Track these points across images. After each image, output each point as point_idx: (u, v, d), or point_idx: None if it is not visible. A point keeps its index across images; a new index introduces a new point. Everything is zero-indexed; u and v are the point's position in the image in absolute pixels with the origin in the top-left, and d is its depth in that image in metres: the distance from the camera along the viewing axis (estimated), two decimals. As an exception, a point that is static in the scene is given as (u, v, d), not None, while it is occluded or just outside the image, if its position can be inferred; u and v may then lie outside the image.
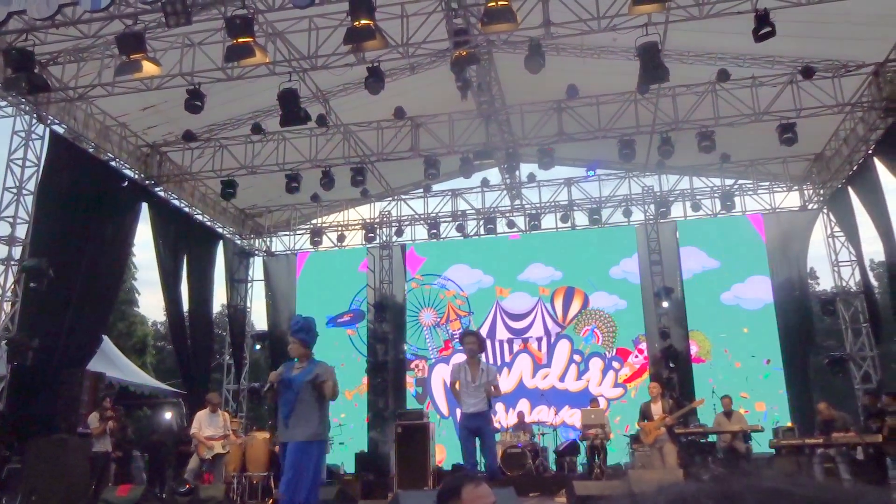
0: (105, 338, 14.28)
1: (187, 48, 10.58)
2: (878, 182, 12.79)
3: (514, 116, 13.41)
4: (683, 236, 15.95)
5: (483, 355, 7.68)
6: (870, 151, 12.80)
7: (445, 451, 14.66)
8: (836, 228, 15.05)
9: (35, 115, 11.33)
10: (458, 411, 7.69)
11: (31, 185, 11.24)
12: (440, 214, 16.94)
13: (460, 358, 7.90)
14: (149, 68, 9.55)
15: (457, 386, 7.53)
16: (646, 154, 13.95)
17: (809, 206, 15.75)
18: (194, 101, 10.67)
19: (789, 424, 12.74)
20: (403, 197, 17.29)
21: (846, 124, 13.29)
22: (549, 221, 16.50)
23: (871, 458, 9.50)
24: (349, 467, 14.65)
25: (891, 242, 12.55)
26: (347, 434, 14.83)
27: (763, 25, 8.99)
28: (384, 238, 17.18)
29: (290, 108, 10.80)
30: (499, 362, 16.08)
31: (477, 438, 7.39)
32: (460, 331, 15.36)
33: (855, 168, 13.53)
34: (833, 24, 10.35)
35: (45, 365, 10.91)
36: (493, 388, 7.36)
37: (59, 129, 11.84)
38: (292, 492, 5.18)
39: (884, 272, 16.55)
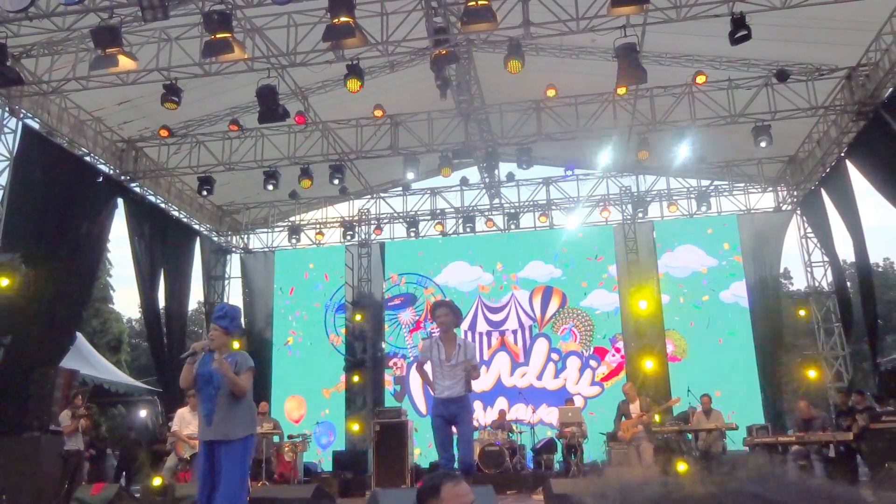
0: (79, 335, 14.11)
1: (164, 43, 10.49)
2: (850, 184, 13.01)
3: (493, 116, 13.45)
4: (660, 236, 16.10)
5: (462, 331, 6.64)
6: (842, 154, 13.01)
7: (422, 450, 14.67)
8: (809, 230, 15.29)
9: (7, 109, 11.15)
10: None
11: (3, 180, 11.07)
12: (419, 213, 16.95)
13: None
14: (125, 63, 9.43)
15: (426, 367, 6.51)
16: (623, 154, 14.07)
17: (783, 208, 15.98)
18: (171, 96, 10.57)
19: (763, 423, 12.93)
20: (382, 195, 17.27)
21: (819, 127, 13.50)
22: (527, 220, 16.57)
23: (843, 456, 9.67)
24: (326, 465, 14.63)
25: (861, 244, 12.77)
26: (325, 432, 14.78)
27: (739, 29, 9.11)
28: (363, 236, 17.14)
29: (269, 105, 10.74)
30: (478, 358, 16.07)
31: (452, 428, 6.36)
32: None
33: (828, 170, 13.74)
34: (807, 28, 10.51)
35: (17, 362, 10.76)
36: (471, 367, 6.24)
37: (33, 124, 11.67)
38: (232, 497, 4.79)
39: (854, 273, 16.85)
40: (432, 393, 6.43)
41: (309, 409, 16.55)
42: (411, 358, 16.46)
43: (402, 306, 16.99)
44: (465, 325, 16.24)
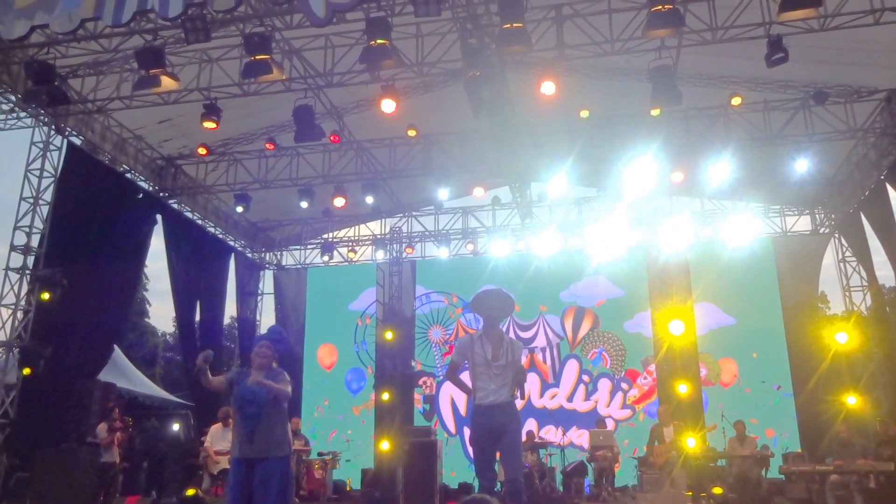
0: (116, 348, 14.36)
1: (205, 63, 10.75)
2: (890, 207, 12.77)
3: (526, 136, 13.47)
4: (693, 259, 15.90)
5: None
6: (882, 177, 12.78)
7: (450, 470, 14.59)
8: (848, 253, 15.00)
9: (53, 127, 11.49)
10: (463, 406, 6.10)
11: (48, 196, 11.37)
12: (451, 231, 17.00)
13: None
14: (167, 83, 9.67)
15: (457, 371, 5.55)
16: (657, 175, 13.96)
17: (821, 230, 15.71)
18: (211, 115, 10.80)
19: (799, 451, 12.65)
20: (414, 213, 17.36)
21: (858, 149, 13.29)
22: (558, 241, 16.48)
23: (884, 487, 9.40)
24: (355, 483, 14.61)
25: (902, 268, 12.49)
26: (354, 450, 14.80)
27: (776, 51, 9.04)
28: (394, 253, 17.23)
29: (305, 124, 10.92)
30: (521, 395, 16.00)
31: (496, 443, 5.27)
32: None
33: (867, 193, 13.50)
34: (846, 50, 10.39)
35: (56, 374, 10.98)
36: (521, 371, 5.43)
37: (77, 141, 11.99)
38: None
39: (895, 298, 16.48)
40: (472, 398, 5.42)
41: (340, 356, 16.89)
42: (440, 378, 16.45)
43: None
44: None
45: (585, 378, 15.89)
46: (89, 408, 11.21)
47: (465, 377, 5.57)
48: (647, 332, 15.76)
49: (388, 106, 10.42)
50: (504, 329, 5.41)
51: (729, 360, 15.42)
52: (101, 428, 10.88)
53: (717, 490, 10.53)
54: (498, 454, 5.37)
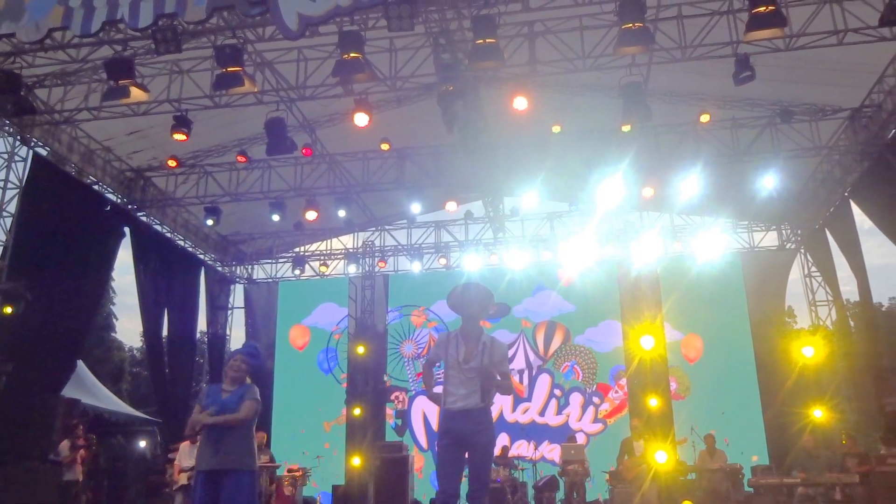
0: (80, 363, 14.07)
1: (175, 75, 10.65)
2: (854, 224, 13.06)
3: (498, 151, 13.55)
4: (663, 273, 16.06)
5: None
6: (846, 193, 13.06)
7: (421, 486, 14.49)
8: (814, 268, 15.28)
9: (19, 137, 11.27)
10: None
11: (12, 207, 11.14)
12: (423, 245, 16.99)
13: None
14: (136, 94, 9.57)
15: (431, 372, 5.14)
16: (627, 191, 14.11)
17: (787, 246, 15.99)
18: (181, 127, 10.69)
19: (767, 464, 12.78)
20: (387, 227, 17.33)
21: (823, 167, 13.57)
22: (532, 255, 16.55)
23: (849, 499, 9.54)
24: (326, 500, 14.45)
25: (864, 283, 12.76)
26: (325, 466, 14.64)
27: (743, 70, 9.22)
28: (366, 268, 17.16)
29: (277, 137, 10.87)
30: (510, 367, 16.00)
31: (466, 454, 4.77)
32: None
33: (832, 210, 13.78)
34: (811, 69, 10.63)
35: (18, 390, 10.69)
36: (497, 378, 4.78)
37: (43, 152, 11.79)
38: None
39: (858, 312, 16.79)
40: (437, 404, 5.03)
41: (313, 339, 16.95)
42: (413, 392, 16.36)
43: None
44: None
45: (557, 392, 15.92)
46: (52, 425, 10.95)
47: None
48: (618, 345, 15.86)
49: (360, 119, 10.41)
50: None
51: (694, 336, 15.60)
52: (64, 445, 10.63)
53: (688, 503, 10.58)
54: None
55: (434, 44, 9.47)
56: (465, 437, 4.71)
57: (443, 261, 16.86)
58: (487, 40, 8.57)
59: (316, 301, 17.61)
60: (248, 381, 5.25)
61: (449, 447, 4.75)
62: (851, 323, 15.44)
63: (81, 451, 10.70)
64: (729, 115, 12.34)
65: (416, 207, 14.13)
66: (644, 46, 8.75)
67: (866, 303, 13.37)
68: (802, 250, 15.59)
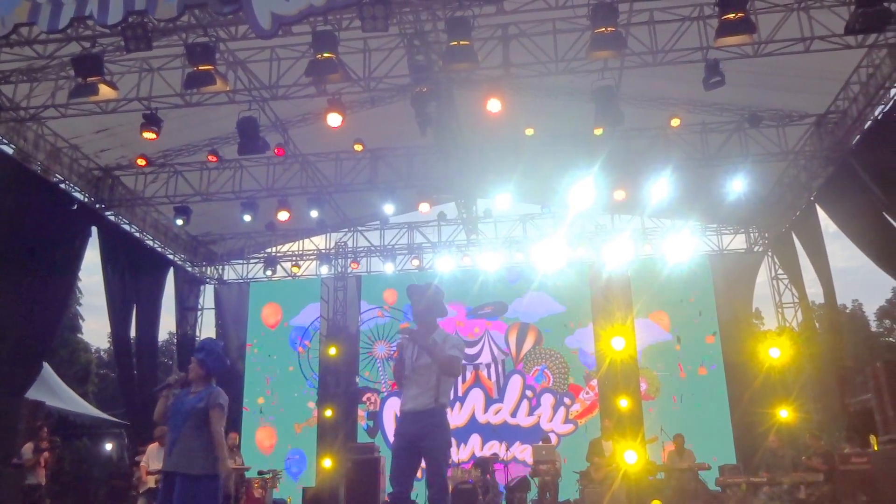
0: (45, 365, 13.79)
1: (146, 73, 10.50)
2: (819, 227, 13.32)
3: (472, 152, 13.59)
4: (634, 275, 16.23)
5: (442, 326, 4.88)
6: (812, 198, 13.32)
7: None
8: (780, 271, 15.55)
9: (-18, 134, 11.05)
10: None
11: (-25, 206, 10.91)
12: (396, 246, 16.97)
13: None
14: (105, 91, 9.40)
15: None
16: (599, 193, 14.24)
17: (755, 249, 16.26)
18: (151, 125, 10.54)
19: (734, 463, 12.97)
20: (360, 228, 17.27)
21: (790, 171, 13.83)
22: (504, 256, 16.62)
23: (814, 497, 9.72)
24: (296, 502, 14.34)
25: (829, 285, 13.02)
26: (295, 468, 14.55)
27: (713, 75, 9.36)
28: (339, 268, 17.09)
29: (249, 137, 10.77)
30: (452, 396, 16.05)
31: (420, 457, 4.69)
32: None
33: (798, 213, 14.04)
34: (779, 76, 10.84)
35: (-20, 392, 10.48)
36: (445, 359, 4.64)
37: (7, 150, 11.54)
38: None
39: (823, 314, 17.13)
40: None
41: (280, 439, 16.39)
42: (385, 393, 16.32)
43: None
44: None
45: (529, 393, 15.99)
46: (16, 427, 10.71)
47: None
48: (589, 347, 15.99)
49: (333, 120, 10.37)
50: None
51: (661, 313, 15.76)
52: (27, 448, 10.41)
53: (656, 503, 10.70)
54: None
55: (408, 45, 9.47)
56: (416, 440, 4.63)
57: (416, 262, 16.85)
58: (461, 42, 8.60)
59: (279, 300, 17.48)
60: (213, 382, 5.12)
61: (401, 449, 4.70)
62: (817, 324, 15.73)
63: (45, 454, 10.49)
64: (699, 120, 12.52)
65: (389, 208, 14.10)
66: (616, 51, 8.84)
67: (831, 305, 13.65)
68: (770, 253, 15.86)
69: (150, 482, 9.46)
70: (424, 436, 4.61)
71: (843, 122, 11.72)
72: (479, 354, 16.40)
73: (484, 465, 12.61)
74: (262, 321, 17.37)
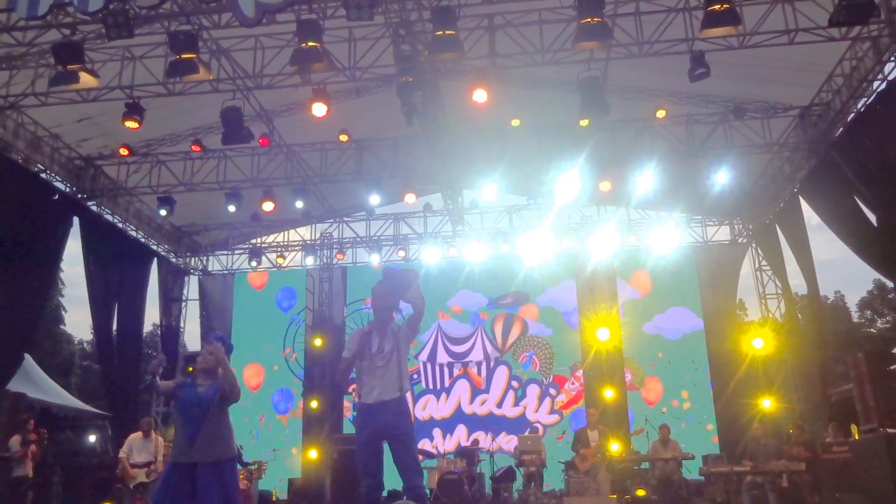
0: (27, 356, 13.66)
1: (128, 61, 10.37)
2: (802, 219, 13.42)
3: (458, 143, 13.55)
4: (621, 267, 16.29)
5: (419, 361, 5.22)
6: (795, 190, 13.40)
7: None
8: (764, 262, 15.66)
9: (-39, 123, 10.88)
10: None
11: (-46, 196, 10.75)
12: (382, 237, 16.92)
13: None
14: (86, 80, 9.26)
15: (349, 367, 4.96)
16: (584, 184, 14.25)
17: (739, 240, 16.36)
18: (133, 114, 10.42)
19: (717, 453, 13.09)
20: (345, 219, 17.20)
21: (774, 163, 13.90)
22: (490, 248, 16.60)
23: (795, 487, 9.83)
24: (282, 493, 14.32)
25: (812, 277, 13.13)
26: (282, 459, 14.53)
27: (698, 66, 9.38)
28: (324, 260, 17.03)
29: (233, 127, 10.68)
30: (438, 386, 16.09)
31: (386, 446, 4.80)
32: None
33: (781, 205, 14.13)
34: (763, 68, 10.87)
35: (-40, 385, 10.36)
36: (418, 297, 4.94)
37: (-13, 139, 11.38)
38: None
39: (806, 305, 17.28)
40: (356, 399, 4.98)
41: (267, 376, 16.59)
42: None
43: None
44: (423, 355, 16.17)
45: (515, 384, 16.04)
46: (-3, 419, 10.62)
47: None
48: (574, 337, 16.04)
49: (318, 110, 10.30)
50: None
51: (655, 380, 15.81)
52: (14, 441, 10.35)
53: (641, 492, 10.78)
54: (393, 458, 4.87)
55: (394, 34, 9.41)
56: (385, 428, 4.73)
57: (401, 253, 16.82)
58: (447, 32, 8.55)
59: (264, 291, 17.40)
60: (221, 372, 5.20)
61: (370, 442, 4.77)
62: (799, 315, 15.87)
63: (32, 447, 10.44)
64: (684, 112, 12.55)
65: (374, 199, 14.05)
66: (602, 42, 8.82)
67: (814, 296, 13.75)
68: (753, 245, 15.97)
69: (141, 476, 9.40)
70: (396, 425, 4.73)
71: (827, 114, 11.78)
72: (469, 352, 16.39)
73: (469, 455, 12.65)
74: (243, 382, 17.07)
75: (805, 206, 13.16)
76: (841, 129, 11.59)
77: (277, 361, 16.96)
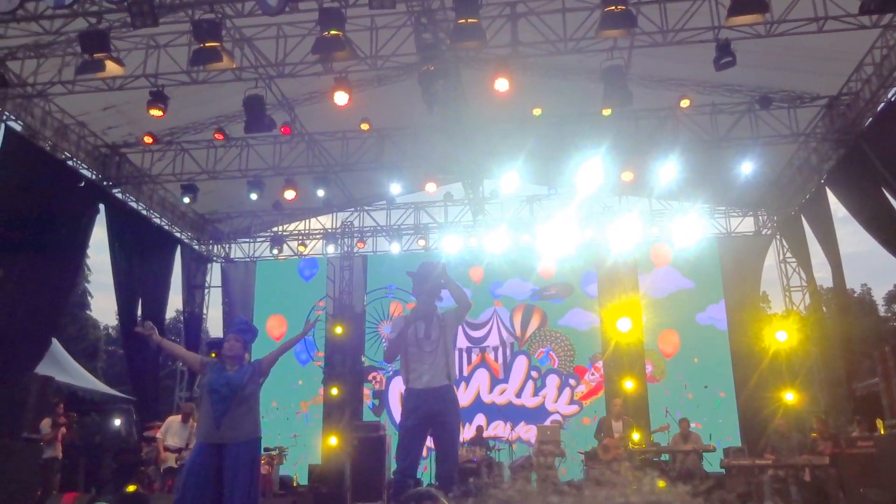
0: (55, 341, 13.90)
1: (152, 49, 10.46)
2: (829, 211, 13.21)
3: (479, 132, 13.50)
4: (640, 257, 16.17)
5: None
6: (822, 181, 13.19)
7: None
8: (789, 254, 15.46)
9: (-9, 111, 11.04)
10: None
11: (-17, 182, 10.92)
12: (402, 226, 16.94)
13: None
14: (112, 68, 9.38)
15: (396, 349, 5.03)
16: (606, 175, 14.15)
17: (763, 232, 16.16)
18: (157, 103, 10.51)
19: (739, 445, 12.99)
20: (366, 208, 17.25)
21: (800, 154, 13.69)
22: (510, 237, 16.53)
23: (819, 481, 9.73)
24: (302, 479, 14.46)
25: (839, 270, 12.93)
26: (302, 445, 14.65)
27: (724, 55, 9.25)
28: (345, 248, 17.10)
29: (255, 115, 10.73)
30: (457, 375, 16.12)
31: (430, 432, 4.84)
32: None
33: (807, 196, 13.93)
34: (790, 56, 10.69)
35: (-10, 367, 10.57)
36: (459, 290, 5.08)
37: (16, 126, 11.54)
38: (245, 495, 4.94)
39: (831, 298, 17.07)
40: (405, 381, 4.99)
41: (290, 327, 16.62)
42: (391, 372, 16.39)
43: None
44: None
45: (534, 374, 16.03)
46: (26, 402, 10.83)
47: None
48: (595, 328, 15.97)
49: (340, 98, 10.31)
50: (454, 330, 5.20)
51: (671, 332, 15.71)
52: (45, 423, 10.57)
53: (661, 484, 10.72)
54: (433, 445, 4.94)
55: (415, 23, 9.38)
56: (432, 415, 4.75)
57: (422, 242, 16.83)
58: (469, 20, 8.51)
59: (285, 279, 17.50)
60: (248, 359, 5.33)
61: (415, 427, 4.78)
62: (824, 308, 15.67)
63: (62, 429, 10.65)
64: (708, 101, 12.39)
65: (395, 188, 14.07)
66: (626, 30, 8.74)
67: (840, 289, 13.56)
68: (778, 236, 15.77)
69: (171, 460, 9.51)
70: (443, 413, 4.76)
71: (856, 104, 11.57)
72: (486, 337, 16.41)
73: (487, 444, 12.68)
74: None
75: (832, 198, 12.96)
76: (870, 119, 11.39)
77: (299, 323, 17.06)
